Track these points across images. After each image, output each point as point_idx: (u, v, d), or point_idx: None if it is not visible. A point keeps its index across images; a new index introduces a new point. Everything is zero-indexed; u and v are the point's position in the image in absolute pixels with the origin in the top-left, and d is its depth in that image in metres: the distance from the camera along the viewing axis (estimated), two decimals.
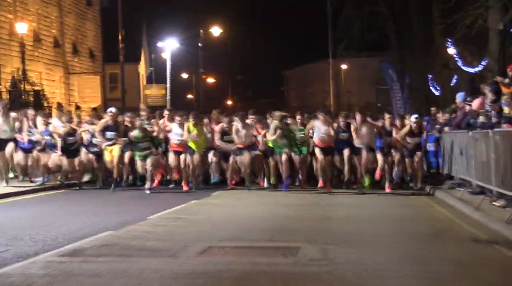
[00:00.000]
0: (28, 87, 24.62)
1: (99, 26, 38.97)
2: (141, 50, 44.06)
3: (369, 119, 16.27)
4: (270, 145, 15.75)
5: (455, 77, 33.75)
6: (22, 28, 24.86)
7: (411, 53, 39.38)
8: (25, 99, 23.46)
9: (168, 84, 39.52)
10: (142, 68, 45.41)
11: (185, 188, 15.74)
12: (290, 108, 49.34)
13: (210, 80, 73.11)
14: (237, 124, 15.90)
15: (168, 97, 39.02)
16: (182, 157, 15.75)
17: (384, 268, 6.82)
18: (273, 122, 15.63)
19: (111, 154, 15.73)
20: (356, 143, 15.55)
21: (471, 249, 8.13)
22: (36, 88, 25.98)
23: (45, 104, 25.96)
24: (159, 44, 43.20)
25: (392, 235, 9.12)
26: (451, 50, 29.67)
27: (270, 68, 74.66)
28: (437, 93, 37.02)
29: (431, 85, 38.07)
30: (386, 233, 9.28)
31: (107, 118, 16.11)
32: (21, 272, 6.56)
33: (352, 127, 15.76)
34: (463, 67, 28.21)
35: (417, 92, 37.63)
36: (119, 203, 13.33)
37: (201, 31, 43.76)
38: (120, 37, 29.45)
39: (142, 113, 17.49)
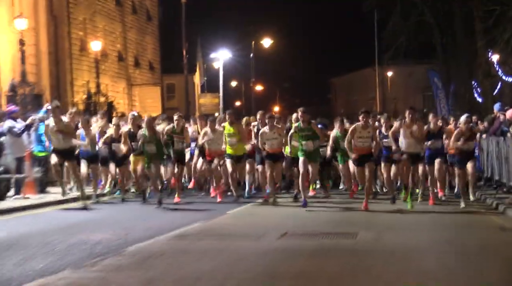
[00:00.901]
0: (102, 99, 27.13)
1: (157, 39, 41.64)
2: (196, 61, 46.39)
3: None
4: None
5: (499, 86, 34.95)
6: (96, 46, 27.45)
7: (455, 61, 40.79)
8: (99, 110, 25.75)
9: (220, 93, 41.72)
10: (197, 78, 47.69)
11: (219, 198, 14.96)
12: (335, 115, 50.51)
13: (259, 88, 75.07)
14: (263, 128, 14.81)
15: (221, 106, 41.19)
16: (215, 162, 15.11)
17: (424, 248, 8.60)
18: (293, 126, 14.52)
19: (137, 163, 14.96)
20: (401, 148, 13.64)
21: None
22: (106, 99, 28.38)
23: (114, 115, 28.34)
24: (213, 55, 45.47)
25: None
26: (494, 58, 31.05)
27: (318, 76, 75.83)
28: (481, 101, 38.20)
29: (475, 93, 39.32)
30: None
31: (129, 126, 15.25)
32: (148, 249, 8.57)
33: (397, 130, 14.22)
34: (504, 77, 29.49)
35: (462, 100, 38.89)
36: (188, 203, 14.66)
37: (253, 42, 45.80)
38: (184, 52, 31.69)
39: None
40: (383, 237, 9.66)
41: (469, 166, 13.35)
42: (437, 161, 13.71)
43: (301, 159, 13.83)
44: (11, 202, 14.23)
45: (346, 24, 65.01)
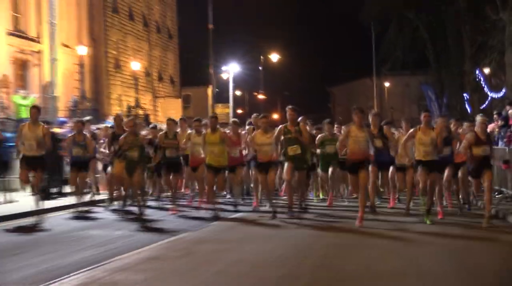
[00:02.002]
0: (140, 112, 30.95)
1: (177, 56, 45.57)
2: (211, 74, 50.36)
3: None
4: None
5: (489, 99, 38.00)
6: (135, 65, 31.31)
7: (448, 74, 44.30)
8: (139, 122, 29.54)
9: (230, 103, 45.48)
10: (210, 89, 51.65)
11: (255, 205, 14.00)
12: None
13: (261, 97, 78.63)
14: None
15: (231, 115, 44.90)
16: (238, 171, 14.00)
17: None
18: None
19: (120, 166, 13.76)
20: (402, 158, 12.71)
21: None
22: (144, 112, 32.19)
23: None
24: (224, 68, 49.30)
25: None
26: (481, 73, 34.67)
27: (318, 85, 78.31)
28: (469, 111, 41.19)
29: (467, 104, 42.38)
30: None
31: (113, 129, 14.85)
32: (187, 239, 10.08)
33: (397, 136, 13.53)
34: (488, 92, 33.09)
35: (453, 111, 41.76)
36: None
37: (261, 57, 49.62)
38: (211, 71, 35.33)
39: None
40: None
41: (485, 173, 11.56)
42: (447, 169, 12.54)
43: (286, 165, 12.38)
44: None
45: (345, 36, 68.38)
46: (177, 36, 45.79)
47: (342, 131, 13.29)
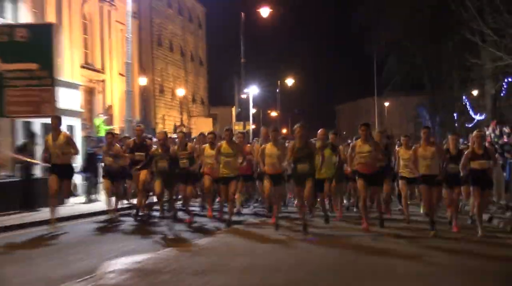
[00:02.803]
0: (184, 129, 36.19)
1: (206, 80, 51.20)
2: (235, 95, 55.88)
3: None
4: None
5: (475, 120, 41.92)
6: (181, 92, 36.85)
7: (441, 97, 48.28)
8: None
9: (250, 121, 50.75)
10: (233, 109, 57.13)
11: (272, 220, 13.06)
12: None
13: (274, 114, 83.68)
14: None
15: (250, 132, 50.11)
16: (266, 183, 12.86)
17: None
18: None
19: (139, 178, 14.35)
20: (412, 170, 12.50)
21: None
22: (188, 130, 37.36)
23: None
24: (245, 90, 54.61)
25: None
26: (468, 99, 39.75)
27: (325, 104, 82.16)
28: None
29: (456, 124, 47.05)
30: None
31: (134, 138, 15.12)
32: (209, 243, 10.94)
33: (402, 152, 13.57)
34: (473, 115, 38.09)
35: (445, 128, 45.39)
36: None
37: (278, 81, 55.00)
38: (242, 96, 40.37)
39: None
40: None
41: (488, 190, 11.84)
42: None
43: (293, 183, 12.58)
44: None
45: (351, 62, 72.71)
46: (206, 63, 51.45)
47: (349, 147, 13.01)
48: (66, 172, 13.12)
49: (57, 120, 13.33)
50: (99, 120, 27.70)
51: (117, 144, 15.13)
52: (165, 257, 9.47)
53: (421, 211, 14.21)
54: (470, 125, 41.50)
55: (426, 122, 45.41)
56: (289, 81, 54.35)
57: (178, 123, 37.20)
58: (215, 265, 8.78)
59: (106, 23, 33.06)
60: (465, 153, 11.91)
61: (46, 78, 18.22)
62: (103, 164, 15.49)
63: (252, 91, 51.93)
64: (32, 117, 20.27)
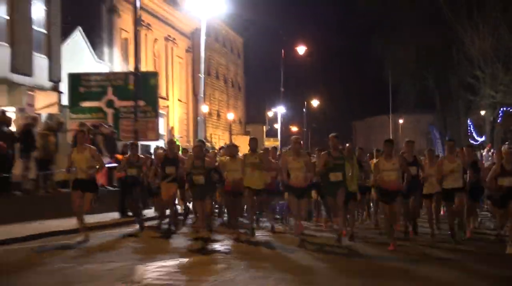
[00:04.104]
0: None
1: (243, 102, 57.54)
2: (265, 115, 62.13)
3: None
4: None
5: (478, 141, 45.27)
6: (230, 115, 43.00)
7: (450, 117, 52.94)
8: None
9: (279, 137, 56.69)
10: (264, 127, 63.21)
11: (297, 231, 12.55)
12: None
13: (294, 129, 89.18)
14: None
15: (279, 147, 56.06)
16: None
17: None
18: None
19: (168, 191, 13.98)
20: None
21: None
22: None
23: None
24: (273, 109, 60.74)
25: None
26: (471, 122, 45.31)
27: (342, 119, 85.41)
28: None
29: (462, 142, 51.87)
30: None
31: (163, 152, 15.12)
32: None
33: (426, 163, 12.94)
34: (476, 137, 43.21)
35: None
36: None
37: (305, 102, 61.02)
38: (279, 118, 46.37)
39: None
40: None
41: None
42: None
43: (328, 195, 12.42)
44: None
45: (369, 83, 76.76)
46: (244, 88, 57.90)
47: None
48: (89, 186, 12.67)
49: (83, 135, 13.19)
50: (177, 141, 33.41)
51: (142, 156, 15.27)
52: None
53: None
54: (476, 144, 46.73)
55: (437, 141, 50.11)
56: (315, 103, 60.22)
57: (225, 142, 43.24)
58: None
59: (169, 58, 39.38)
60: (493, 168, 11.45)
61: (150, 112, 24.32)
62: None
63: (280, 110, 58.24)
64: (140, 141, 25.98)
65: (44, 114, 23.40)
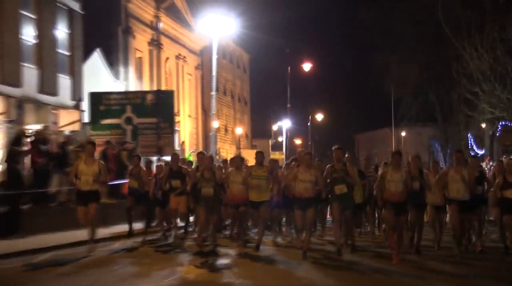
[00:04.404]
0: None
1: (249, 116, 59.08)
2: (271, 129, 63.59)
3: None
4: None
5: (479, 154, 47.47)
6: (239, 130, 44.51)
7: (451, 130, 54.15)
8: None
9: (284, 150, 58.11)
10: (270, 141, 64.68)
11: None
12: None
13: (298, 141, 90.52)
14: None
15: (284, 160, 57.42)
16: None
17: None
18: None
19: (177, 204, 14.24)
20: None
21: None
22: None
23: None
24: (279, 123, 62.20)
25: None
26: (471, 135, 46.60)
27: (344, 132, 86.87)
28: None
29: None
30: None
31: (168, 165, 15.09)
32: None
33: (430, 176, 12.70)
34: (476, 150, 44.32)
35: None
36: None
37: (310, 116, 62.48)
38: (284, 132, 47.92)
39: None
40: None
41: None
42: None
43: (334, 205, 12.18)
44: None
45: (371, 97, 78.28)
46: (250, 103, 59.48)
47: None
48: (92, 197, 12.82)
49: (93, 147, 13.24)
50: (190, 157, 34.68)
51: (143, 168, 15.50)
52: None
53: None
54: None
55: (438, 154, 51.19)
56: (319, 117, 61.68)
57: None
58: None
59: (180, 75, 40.94)
60: (496, 181, 11.73)
61: (167, 128, 25.76)
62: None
63: (285, 124, 59.79)
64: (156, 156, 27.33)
65: (66, 131, 24.85)
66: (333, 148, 12.01)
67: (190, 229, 16.32)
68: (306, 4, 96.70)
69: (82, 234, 13.78)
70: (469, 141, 45.43)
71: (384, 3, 51.77)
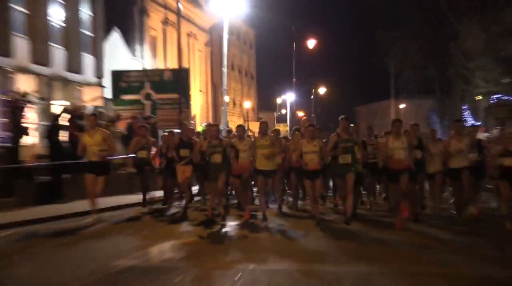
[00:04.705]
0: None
1: (255, 90, 60.41)
2: (275, 101, 64.91)
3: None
4: None
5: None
6: (247, 104, 45.84)
7: (448, 103, 54.04)
8: None
9: (288, 122, 59.43)
10: (274, 113, 66.03)
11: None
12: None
13: (300, 113, 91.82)
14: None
15: (289, 131, 58.81)
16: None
17: None
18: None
19: (184, 173, 13.92)
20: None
21: None
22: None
23: None
24: (283, 96, 63.52)
25: None
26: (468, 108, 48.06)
27: (346, 104, 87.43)
28: None
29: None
30: None
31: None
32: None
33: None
34: (473, 122, 45.37)
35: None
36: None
37: (313, 89, 63.75)
38: (288, 104, 49.20)
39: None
40: None
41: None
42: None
43: (338, 176, 12.06)
44: None
45: (372, 71, 79.60)
46: (256, 77, 60.76)
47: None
48: (102, 168, 12.83)
49: (94, 118, 13.21)
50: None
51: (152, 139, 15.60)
52: None
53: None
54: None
55: (435, 125, 52.31)
56: (321, 90, 62.94)
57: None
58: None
59: (191, 52, 42.18)
60: (497, 148, 11.79)
61: (184, 103, 27.08)
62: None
63: (289, 97, 61.20)
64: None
65: (90, 106, 26.27)
66: (339, 118, 11.82)
67: (196, 199, 16.46)
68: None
69: (114, 200, 14.78)
70: (465, 113, 46.73)
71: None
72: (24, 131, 16.67)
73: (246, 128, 15.95)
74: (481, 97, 40.49)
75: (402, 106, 75.83)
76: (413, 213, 12.26)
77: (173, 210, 14.91)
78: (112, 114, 22.19)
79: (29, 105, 18.17)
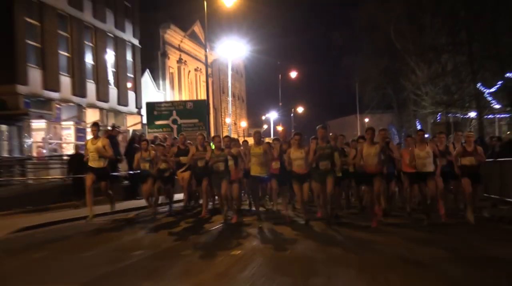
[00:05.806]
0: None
1: (246, 111, 66.33)
2: (262, 119, 70.77)
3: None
4: None
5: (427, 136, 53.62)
6: (243, 124, 51.69)
7: (404, 117, 59.49)
8: None
9: (271, 137, 65.00)
10: (262, 129, 71.69)
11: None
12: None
13: (279, 128, 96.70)
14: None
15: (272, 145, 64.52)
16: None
17: None
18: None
19: (183, 179, 14.36)
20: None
21: None
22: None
23: None
24: (267, 115, 69.47)
25: None
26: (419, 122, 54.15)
27: (319, 120, 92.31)
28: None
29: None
30: None
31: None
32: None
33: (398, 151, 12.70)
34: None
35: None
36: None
37: (292, 109, 69.74)
38: (271, 122, 55.07)
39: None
40: None
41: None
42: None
43: (313, 183, 11.85)
44: None
45: (340, 90, 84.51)
46: (246, 100, 66.66)
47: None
48: (101, 174, 12.96)
49: (96, 128, 13.28)
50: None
51: (152, 151, 14.53)
52: None
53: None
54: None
55: (394, 135, 57.60)
56: (300, 109, 68.86)
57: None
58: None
59: (198, 83, 48.02)
60: (457, 150, 11.90)
61: (203, 126, 32.74)
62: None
63: (272, 116, 67.37)
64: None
65: (130, 130, 31.90)
66: (317, 127, 11.97)
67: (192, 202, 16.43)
68: (293, 33, 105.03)
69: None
70: (418, 127, 52.34)
71: (353, 31, 58.77)
72: (119, 153, 19.56)
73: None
74: (428, 115, 46.33)
75: (366, 120, 77.66)
76: (382, 209, 12.41)
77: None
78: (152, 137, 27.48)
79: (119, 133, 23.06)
